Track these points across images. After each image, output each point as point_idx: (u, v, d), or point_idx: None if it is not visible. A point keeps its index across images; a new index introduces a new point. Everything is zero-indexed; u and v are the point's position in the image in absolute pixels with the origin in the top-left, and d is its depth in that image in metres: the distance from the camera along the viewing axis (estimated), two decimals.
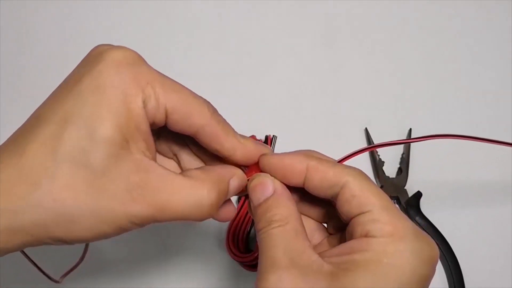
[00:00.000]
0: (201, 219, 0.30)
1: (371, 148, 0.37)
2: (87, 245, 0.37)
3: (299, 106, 0.57)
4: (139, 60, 0.29)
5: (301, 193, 0.33)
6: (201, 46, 0.59)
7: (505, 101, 0.57)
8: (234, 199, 0.50)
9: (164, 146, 0.34)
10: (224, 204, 0.33)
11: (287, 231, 0.29)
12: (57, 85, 0.30)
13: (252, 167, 0.33)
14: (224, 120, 0.32)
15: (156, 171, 0.28)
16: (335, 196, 0.30)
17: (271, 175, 0.32)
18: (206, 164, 0.34)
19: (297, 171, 0.31)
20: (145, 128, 0.29)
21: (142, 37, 0.59)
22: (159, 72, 0.30)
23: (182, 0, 0.60)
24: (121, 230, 0.28)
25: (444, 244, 0.50)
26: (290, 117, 0.56)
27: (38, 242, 0.27)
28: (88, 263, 0.39)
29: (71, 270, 0.39)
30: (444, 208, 0.53)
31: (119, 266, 0.50)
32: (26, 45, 0.58)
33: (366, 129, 0.55)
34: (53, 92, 0.29)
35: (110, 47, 0.29)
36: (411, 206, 0.51)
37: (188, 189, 0.29)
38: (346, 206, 0.29)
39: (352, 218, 0.29)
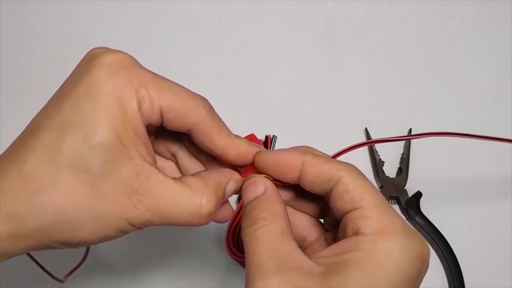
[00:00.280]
0: (199, 225, 0.30)
1: (367, 143, 0.37)
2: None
3: (299, 106, 0.57)
4: (132, 62, 0.29)
5: (298, 190, 0.33)
6: (201, 46, 0.59)
7: (505, 101, 0.57)
8: (234, 198, 0.50)
9: (161, 146, 0.35)
10: (221, 205, 0.33)
11: (272, 232, 0.29)
12: (57, 85, 0.30)
13: (248, 168, 0.33)
14: (219, 118, 0.32)
15: (156, 177, 0.29)
16: (329, 191, 0.30)
17: (267, 172, 0.32)
18: (203, 164, 0.35)
19: (293, 167, 0.31)
20: (142, 130, 0.29)
21: (142, 37, 0.59)
22: (152, 72, 0.30)
23: (182, 0, 0.60)
24: (122, 233, 0.29)
25: (444, 244, 0.50)
26: (290, 117, 0.56)
27: (43, 246, 0.28)
28: (90, 263, 0.39)
29: (75, 269, 0.39)
30: (444, 208, 0.53)
31: (121, 265, 0.50)
32: (26, 45, 0.58)
33: (366, 129, 0.55)
34: (50, 99, 0.29)
35: (103, 50, 0.29)
36: (411, 206, 0.51)
37: (187, 199, 0.29)
38: (339, 202, 0.29)
39: (344, 214, 0.29)
